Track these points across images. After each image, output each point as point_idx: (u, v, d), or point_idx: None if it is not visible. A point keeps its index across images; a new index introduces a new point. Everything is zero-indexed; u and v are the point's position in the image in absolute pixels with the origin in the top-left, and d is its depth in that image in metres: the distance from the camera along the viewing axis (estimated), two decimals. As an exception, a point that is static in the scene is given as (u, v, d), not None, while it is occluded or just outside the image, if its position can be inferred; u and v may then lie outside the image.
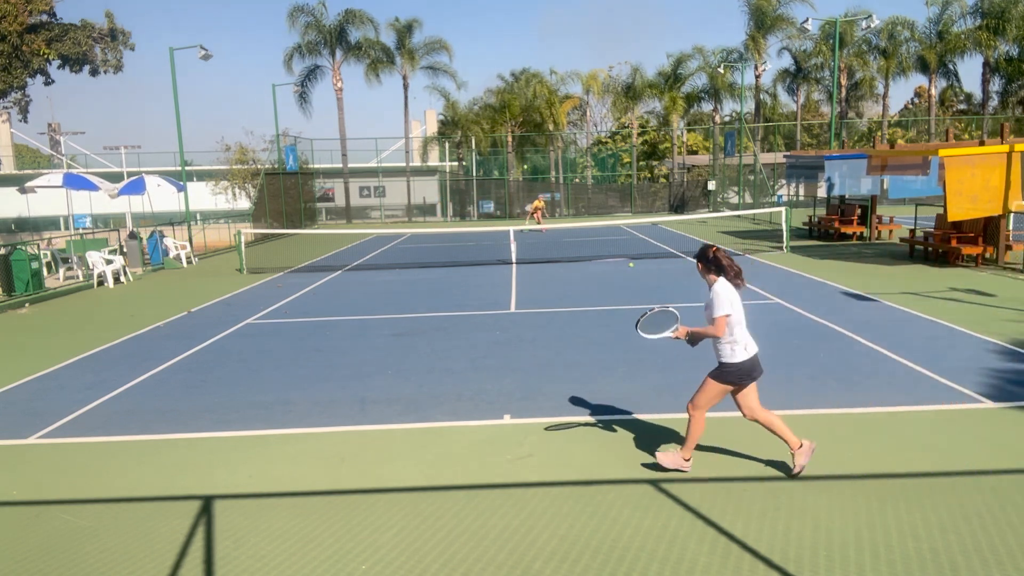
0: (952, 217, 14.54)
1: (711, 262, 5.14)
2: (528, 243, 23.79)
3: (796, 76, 46.24)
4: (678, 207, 41.08)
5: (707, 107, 50.14)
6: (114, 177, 40.13)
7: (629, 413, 6.82)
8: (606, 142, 57.88)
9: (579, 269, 17.51)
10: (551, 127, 46.37)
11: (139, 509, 5.20)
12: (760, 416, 5.27)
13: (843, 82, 43.65)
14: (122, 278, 18.06)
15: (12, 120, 51.59)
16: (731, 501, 4.94)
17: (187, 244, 22.88)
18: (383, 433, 6.56)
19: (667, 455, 5.37)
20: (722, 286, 5.06)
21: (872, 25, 30.64)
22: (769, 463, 5.55)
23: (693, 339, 5.29)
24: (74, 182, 23.46)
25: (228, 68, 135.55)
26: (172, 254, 21.72)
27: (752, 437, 6.10)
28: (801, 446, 5.20)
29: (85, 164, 55.09)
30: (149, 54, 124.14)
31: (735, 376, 5.14)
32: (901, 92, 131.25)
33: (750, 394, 5.27)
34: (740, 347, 5.08)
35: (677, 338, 5.35)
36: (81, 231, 31.10)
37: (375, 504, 5.12)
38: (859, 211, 22.37)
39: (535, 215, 31.57)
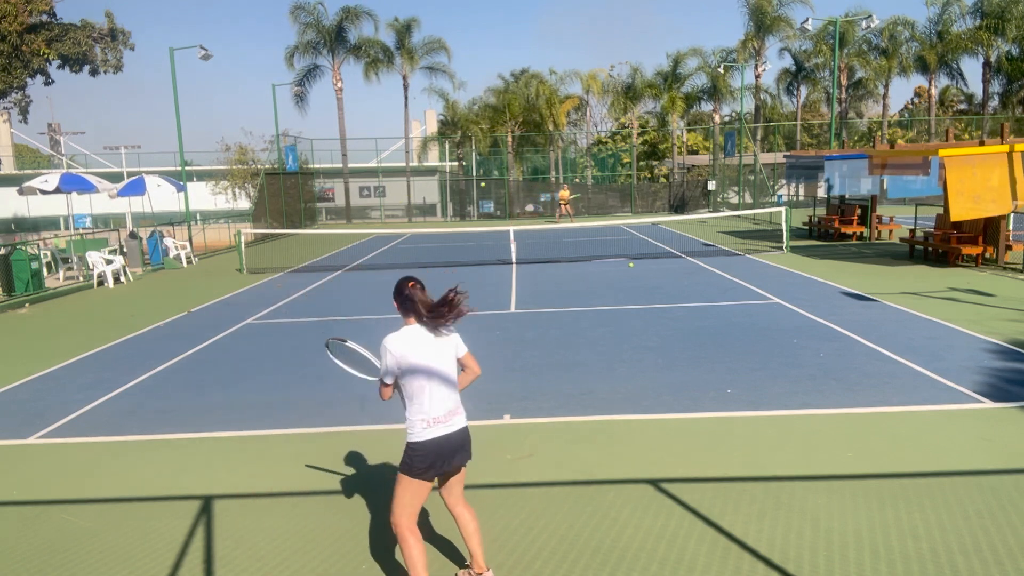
0: (955, 217, 14.54)
1: (405, 299, 3.89)
2: (528, 243, 23.79)
3: (796, 76, 46.26)
4: (678, 207, 41.06)
5: (707, 107, 50.15)
6: (114, 177, 40.13)
7: (629, 413, 6.82)
8: (606, 142, 57.86)
9: (579, 269, 17.50)
10: (551, 127, 46.37)
11: (139, 509, 5.21)
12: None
13: (843, 82, 43.65)
14: (122, 278, 18.06)
15: (12, 120, 51.61)
16: (731, 501, 4.94)
17: (187, 244, 22.89)
18: (383, 433, 6.56)
19: None
20: (395, 336, 3.76)
21: (872, 25, 30.64)
22: (770, 463, 5.55)
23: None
24: (72, 183, 23.40)
25: (228, 68, 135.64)
26: (172, 254, 21.71)
27: (752, 437, 6.10)
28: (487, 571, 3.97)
29: (85, 164, 55.12)
30: (149, 54, 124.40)
31: (419, 461, 3.69)
32: (901, 92, 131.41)
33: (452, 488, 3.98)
34: (422, 421, 3.71)
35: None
36: (81, 231, 31.07)
37: (375, 504, 5.12)
38: (859, 211, 22.37)
39: (565, 209, 32.17)
